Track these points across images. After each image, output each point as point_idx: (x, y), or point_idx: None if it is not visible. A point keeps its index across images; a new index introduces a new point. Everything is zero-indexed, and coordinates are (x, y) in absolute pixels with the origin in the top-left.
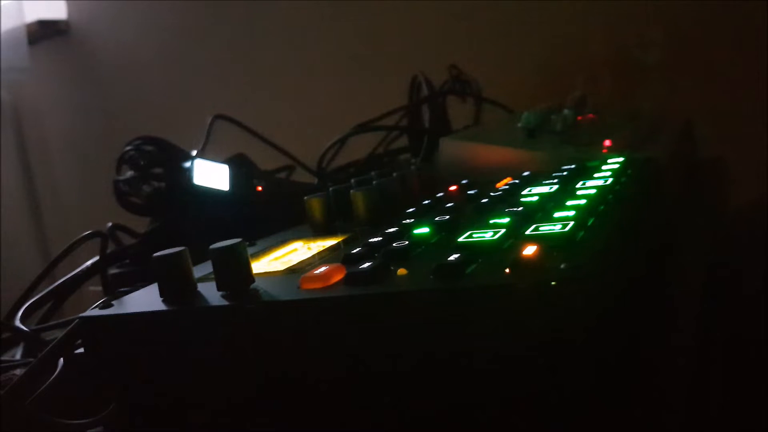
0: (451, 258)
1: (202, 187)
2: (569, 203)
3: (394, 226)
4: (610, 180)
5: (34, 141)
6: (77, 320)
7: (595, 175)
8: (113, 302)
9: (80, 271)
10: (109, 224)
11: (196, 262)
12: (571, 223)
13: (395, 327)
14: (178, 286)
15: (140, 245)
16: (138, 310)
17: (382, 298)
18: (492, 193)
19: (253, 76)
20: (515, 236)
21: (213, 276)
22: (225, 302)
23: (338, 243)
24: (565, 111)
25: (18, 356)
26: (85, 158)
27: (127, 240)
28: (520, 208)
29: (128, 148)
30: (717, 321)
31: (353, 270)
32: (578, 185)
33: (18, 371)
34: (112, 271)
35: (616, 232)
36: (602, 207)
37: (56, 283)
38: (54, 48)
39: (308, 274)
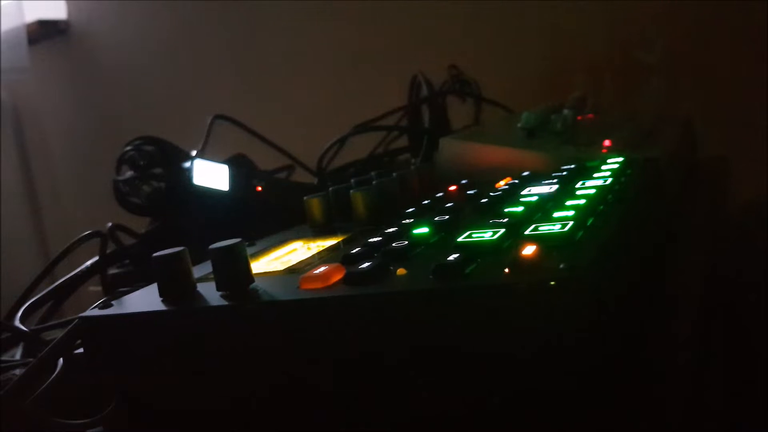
0: (451, 258)
1: (202, 187)
2: (569, 203)
3: (393, 226)
4: (609, 180)
5: (34, 141)
6: (77, 320)
7: (595, 175)
8: (113, 302)
9: (80, 271)
10: (109, 224)
11: (196, 262)
12: (571, 223)
13: (394, 327)
14: (177, 286)
15: (140, 245)
16: (138, 310)
17: (381, 298)
18: (492, 193)
19: (253, 76)
20: (514, 236)
21: (213, 276)
22: (224, 302)
23: (338, 243)
24: (565, 111)
25: (18, 356)
26: (85, 158)
27: (127, 240)
28: (519, 209)
29: (128, 148)
30: (717, 320)
31: (353, 270)
32: (578, 185)
33: (18, 371)
34: (112, 271)
35: (616, 232)
36: (602, 207)
37: (56, 283)
38: (54, 48)
39: (308, 274)
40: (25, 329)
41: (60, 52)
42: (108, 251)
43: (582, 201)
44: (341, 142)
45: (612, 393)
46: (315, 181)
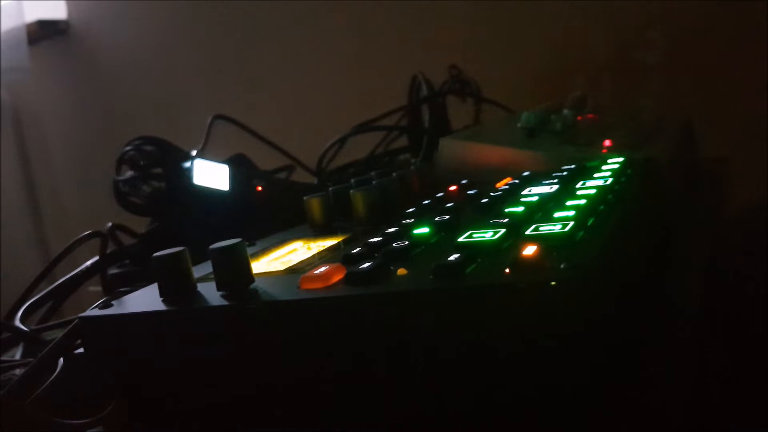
0: (451, 258)
1: (202, 187)
2: (569, 203)
3: (393, 226)
4: (610, 180)
5: (34, 141)
6: (77, 320)
7: (595, 175)
8: (113, 302)
9: (80, 271)
10: (109, 224)
11: (196, 262)
12: (571, 223)
13: (395, 327)
14: (178, 286)
15: (140, 245)
16: (138, 310)
17: (381, 298)
18: (492, 193)
19: (253, 76)
20: (515, 236)
21: (213, 276)
22: (225, 302)
23: (338, 243)
24: (565, 111)
25: (18, 356)
26: (85, 158)
27: (127, 240)
28: (520, 209)
29: (128, 148)
30: (717, 320)
31: (353, 270)
32: (578, 185)
33: (18, 371)
34: (112, 271)
35: (616, 232)
36: (602, 207)
37: (56, 283)
38: (54, 48)
39: (308, 274)
40: (25, 329)
41: (60, 52)
42: (108, 251)
43: (582, 201)
44: (341, 142)
45: (612, 393)
46: (315, 181)
